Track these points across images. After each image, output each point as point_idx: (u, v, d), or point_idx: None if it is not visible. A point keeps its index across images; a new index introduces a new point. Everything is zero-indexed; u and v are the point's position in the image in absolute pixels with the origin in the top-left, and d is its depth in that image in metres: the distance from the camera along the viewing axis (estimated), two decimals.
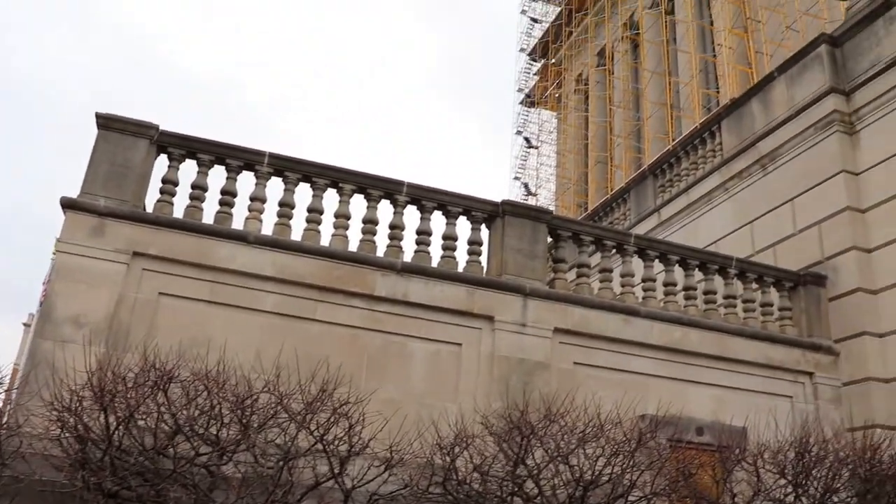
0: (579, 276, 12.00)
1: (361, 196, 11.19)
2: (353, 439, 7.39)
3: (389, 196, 11.23)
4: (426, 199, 11.36)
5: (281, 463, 7.09)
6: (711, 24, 34.77)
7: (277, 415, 7.30)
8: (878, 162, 13.37)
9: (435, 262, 11.13)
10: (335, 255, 10.49)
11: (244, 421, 7.12)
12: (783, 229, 14.80)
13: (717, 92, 32.73)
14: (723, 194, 16.44)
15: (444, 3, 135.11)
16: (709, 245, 15.91)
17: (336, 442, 7.38)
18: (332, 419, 7.41)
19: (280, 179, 10.80)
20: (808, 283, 13.42)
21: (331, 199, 11.07)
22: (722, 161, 16.52)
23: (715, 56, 33.62)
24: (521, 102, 49.03)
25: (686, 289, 12.70)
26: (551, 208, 45.18)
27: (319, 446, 7.28)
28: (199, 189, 10.41)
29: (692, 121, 31.88)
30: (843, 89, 14.19)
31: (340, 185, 10.98)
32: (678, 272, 12.76)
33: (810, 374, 12.87)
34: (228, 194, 10.51)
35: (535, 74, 49.23)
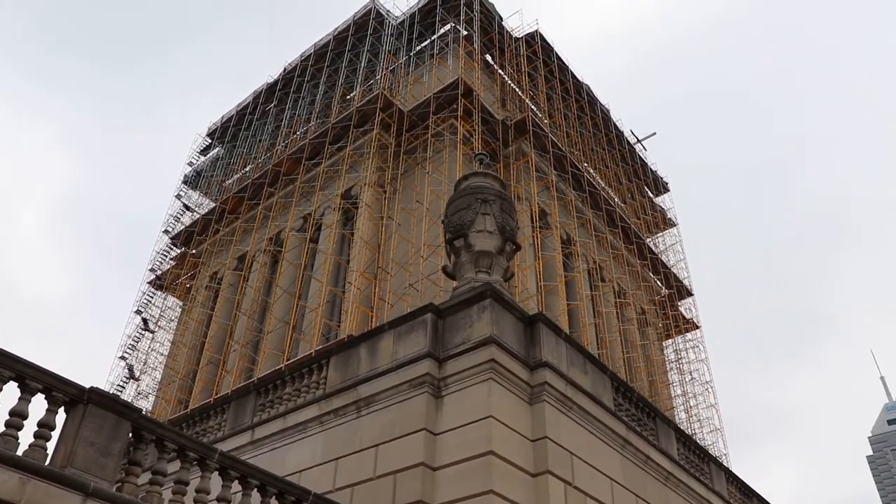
0: (153, 482, 11.35)
1: None
2: None
3: None
4: (1, 367, 10.26)
5: None
6: (348, 262, 37.33)
7: None
8: (453, 428, 14.81)
9: None
10: None
11: None
12: (365, 471, 15.41)
13: (339, 325, 34.57)
14: (317, 426, 16.92)
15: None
16: (294, 474, 16.05)
17: None
18: None
19: None
20: None
21: None
22: (323, 395, 17.15)
23: (344, 292, 35.84)
24: (150, 283, 47.56)
25: None
26: (152, 397, 42.86)
27: None
28: None
29: (310, 346, 33.08)
30: (438, 356, 15.78)
31: None
32: (256, 497, 12.63)
33: None
34: None
35: (172, 259, 48.46)
